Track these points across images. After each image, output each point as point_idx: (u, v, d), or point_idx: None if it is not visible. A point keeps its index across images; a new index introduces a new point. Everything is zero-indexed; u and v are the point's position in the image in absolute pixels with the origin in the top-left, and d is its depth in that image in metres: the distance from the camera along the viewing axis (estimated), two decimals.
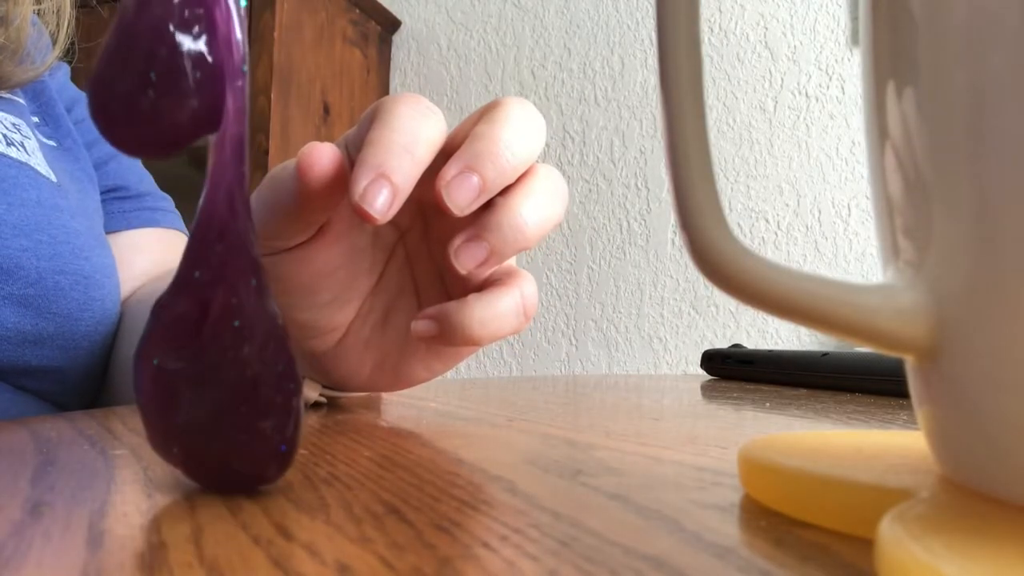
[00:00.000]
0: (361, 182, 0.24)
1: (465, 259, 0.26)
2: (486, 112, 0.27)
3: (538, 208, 0.26)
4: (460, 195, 0.25)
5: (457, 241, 0.26)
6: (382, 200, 0.24)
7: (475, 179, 0.25)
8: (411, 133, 0.25)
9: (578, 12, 1.72)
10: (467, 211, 0.25)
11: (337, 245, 0.29)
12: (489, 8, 1.79)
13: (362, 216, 0.24)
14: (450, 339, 0.27)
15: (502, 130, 0.25)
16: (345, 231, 0.29)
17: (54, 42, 0.45)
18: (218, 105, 0.15)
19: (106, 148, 0.51)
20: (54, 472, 0.18)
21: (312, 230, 0.28)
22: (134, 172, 0.52)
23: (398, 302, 0.31)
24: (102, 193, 0.49)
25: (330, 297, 0.29)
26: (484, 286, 0.28)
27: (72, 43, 0.47)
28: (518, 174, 0.26)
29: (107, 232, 0.48)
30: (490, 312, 0.27)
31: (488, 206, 0.26)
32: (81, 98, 0.52)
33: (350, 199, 0.24)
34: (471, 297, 0.27)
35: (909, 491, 0.12)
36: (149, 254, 0.50)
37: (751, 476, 0.16)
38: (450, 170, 0.25)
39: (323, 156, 0.25)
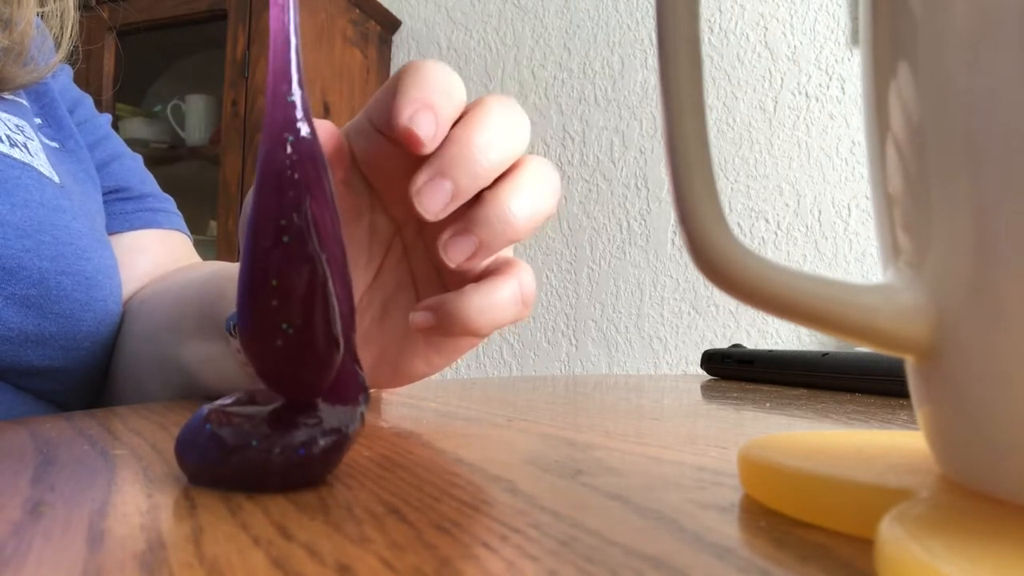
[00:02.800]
0: (406, 110, 0.24)
1: (454, 253, 0.26)
2: (466, 112, 0.27)
3: (528, 201, 0.26)
4: (432, 201, 0.25)
5: (445, 235, 0.26)
6: (428, 125, 0.24)
7: (447, 185, 0.25)
8: (447, 82, 0.25)
9: (578, 12, 1.72)
10: (440, 216, 0.25)
11: None
12: (489, 8, 1.79)
13: (410, 141, 0.24)
14: (448, 329, 0.27)
15: (477, 135, 0.25)
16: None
17: (57, 45, 0.46)
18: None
19: (108, 149, 0.51)
20: (54, 472, 0.18)
21: None
22: (136, 174, 0.52)
23: (396, 296, 0.31)
24: (104, 194, 0.49)
25: None
26: (482, 277, 0.28)
27: (75, 46, 0.47)
28: (494, 176, 0.26)
29: (109, 233, 0.48)
30: (488, 301, 0.27)
31: (477, 199, 0.26)
32: (83, 99, 0.52)
33: (395, 125, 0.24)
34: (468, 287, 0.27)
35: (909, 491, 0.12)
36: (151, 255, 0.50)
37: (751, 476, 0.16)
38: (422, 176, 0.25)
39: (321, 130, 0.25)
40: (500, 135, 0.26)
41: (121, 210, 0.50)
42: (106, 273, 0.42)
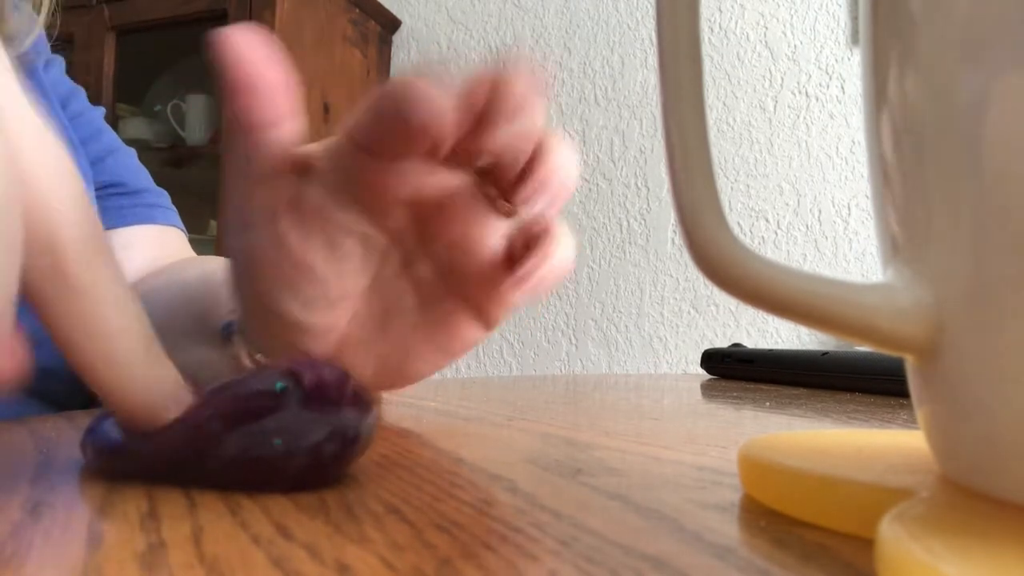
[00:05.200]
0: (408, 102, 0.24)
1: (535, 203, 0.26)
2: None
3: (568, 158, 0.27)
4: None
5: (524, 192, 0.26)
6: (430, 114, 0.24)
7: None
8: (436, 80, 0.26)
9: (578, 11, 1.72)
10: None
11: (308, 226, 0.28)
12: (489, 8, 1.79)
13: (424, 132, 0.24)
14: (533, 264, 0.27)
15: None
16: (313, 213, 0.28)
17: (37, 11, 0.44)
18: None
19: (103, 144, 0.50)
20: (54, 472, 0.18)
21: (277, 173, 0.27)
22: (131, 169, 0.52)
23: (397, 304, 0.31)
24: (99, 189, 0.49)
25: (316, 293, 0.29)
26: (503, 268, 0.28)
27: (55, 14, 0.46)
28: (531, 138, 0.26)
29: (104, 229, 0.47)
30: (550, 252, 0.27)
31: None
32: (77, 92, 0.51)
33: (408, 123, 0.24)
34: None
35: (909, 491, 0.12)
36: (145, 251, 0.49)
37: (751, 476, 0.16)
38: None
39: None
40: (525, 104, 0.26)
41: (117, 205, 0.49)
42: None
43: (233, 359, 0.32)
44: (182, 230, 0.53)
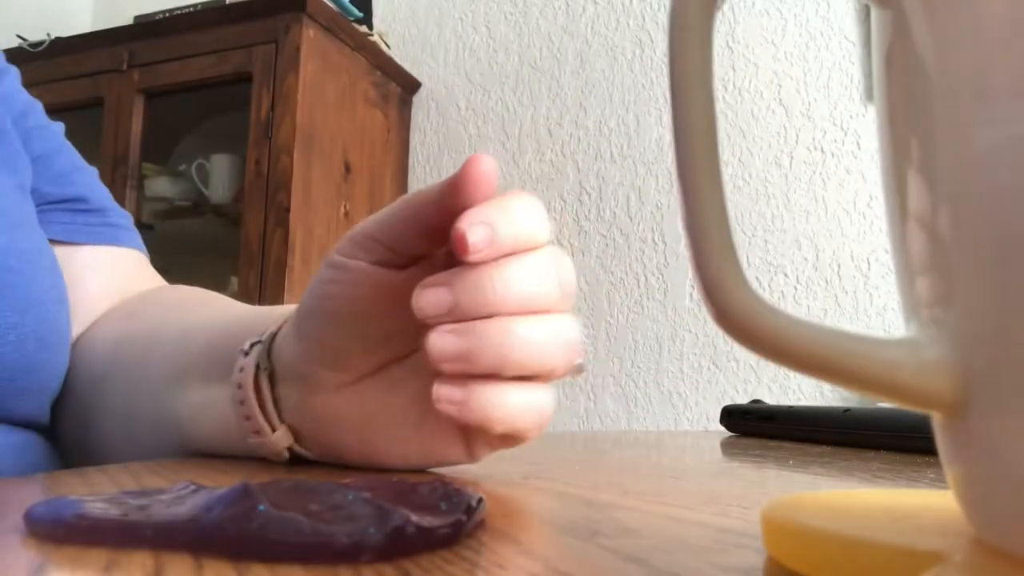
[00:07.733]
0: (465, 220, 0.25)
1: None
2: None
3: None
4: (429, 304, 0.25)
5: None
6: (484, 237, 0.25)
7: (448, 298, 0.25)
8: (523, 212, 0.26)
9: (593, 72, 1.76)
10: (430, 318, 0.25)
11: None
12: (506, 69, 1.83)
13: (461, 245, 0.24)
14: (464, 416, 0.26)
15: (499, 269, 0.26)
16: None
17: None
18: None
19: (66, 159, 0.49)
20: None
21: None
22: (94, 187, 0.50)
23: (398, 395, 0.30)
24: (63, 202, 0.47)
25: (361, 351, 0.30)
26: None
27: None
28: (501, 309, 0.26)
29: (66, 243, 0.46)
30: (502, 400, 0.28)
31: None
32: (34, 105, 0.50)
33: (455, 227, 0.24)
34: (502, 383, 0.27)
35: (941, 554, 0.12)
36: (108, 273, 0.48)
37: (775, 538, 0.15)
38: (430, 280, 0.25)
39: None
40: (520, 277, 0.26)
41: (83, 222, 0.48)
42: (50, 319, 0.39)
43: (240, 403, 0.31)
44: (144, 253, 0.52)
